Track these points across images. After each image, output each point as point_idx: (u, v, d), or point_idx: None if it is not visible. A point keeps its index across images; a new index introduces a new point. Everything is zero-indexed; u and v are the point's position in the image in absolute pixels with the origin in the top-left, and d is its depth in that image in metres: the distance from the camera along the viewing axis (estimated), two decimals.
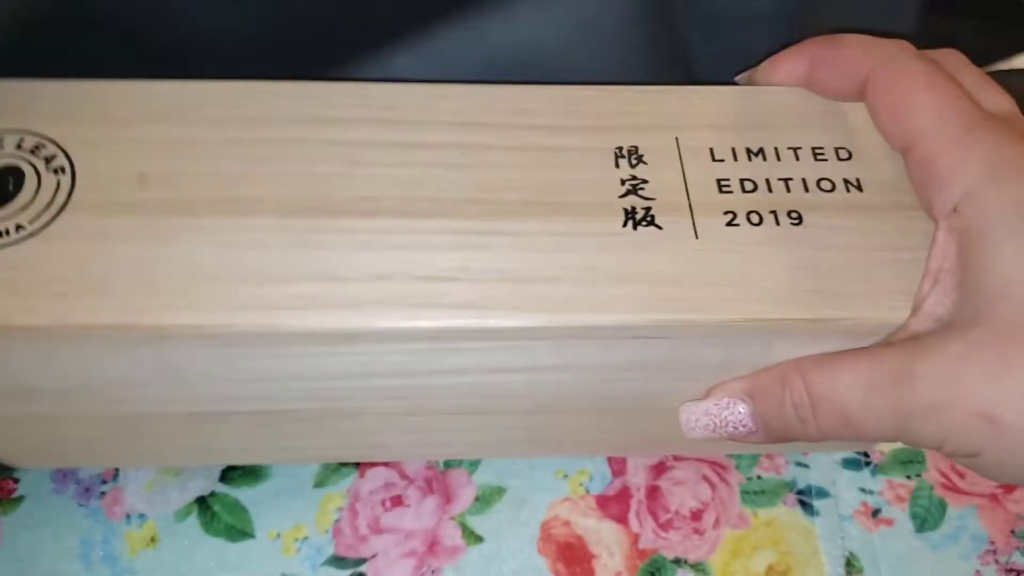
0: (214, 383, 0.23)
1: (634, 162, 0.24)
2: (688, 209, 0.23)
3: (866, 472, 0.30)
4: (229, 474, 0.30)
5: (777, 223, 0.23)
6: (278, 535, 0.29)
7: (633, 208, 0.23)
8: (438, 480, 0.30)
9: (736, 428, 0.24)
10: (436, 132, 0.24)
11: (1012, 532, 0.29)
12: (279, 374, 0.23)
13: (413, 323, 0.21)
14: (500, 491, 0.30)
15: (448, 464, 0.30)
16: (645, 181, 0.24)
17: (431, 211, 0.23)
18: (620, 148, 0.24)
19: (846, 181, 0.24)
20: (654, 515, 0.29)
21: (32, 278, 0.21)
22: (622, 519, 0.29)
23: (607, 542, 0.29)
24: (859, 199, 0.24)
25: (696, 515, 0.29)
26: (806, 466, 0.30)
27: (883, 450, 0.30)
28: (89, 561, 0.28)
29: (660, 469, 0.30)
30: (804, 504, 0.30)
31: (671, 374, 0.24)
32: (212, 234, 0.22)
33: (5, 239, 0.21)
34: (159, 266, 0.21)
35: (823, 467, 0.30)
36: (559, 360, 0.23)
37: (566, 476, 0.30)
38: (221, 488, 0.30)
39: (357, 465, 0.30)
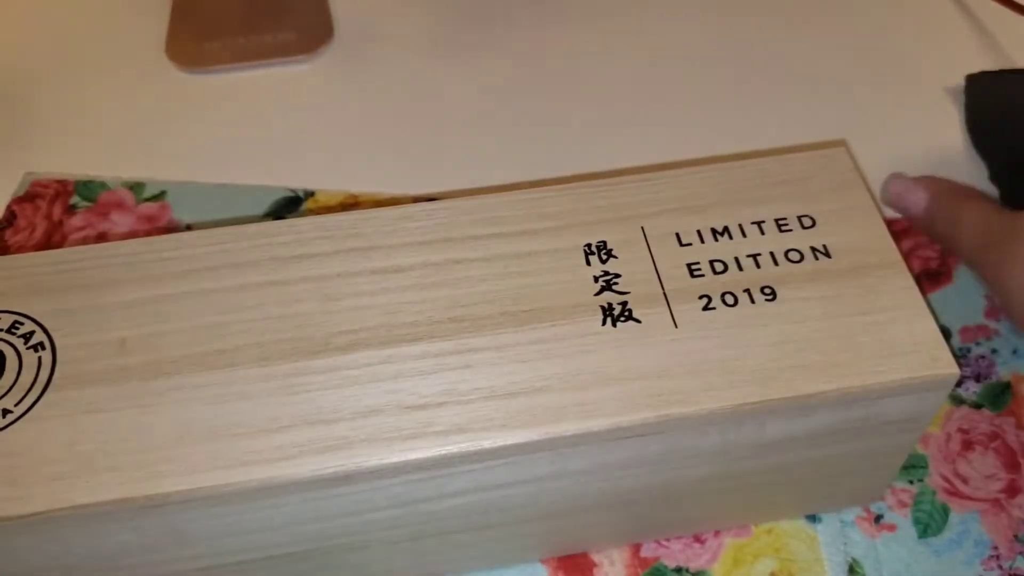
0: (217, 539, 0.23)
1: (604, 257, 0.24)
2: (663, 298, 0.24)
3: None
4: None
5: (752, 301, 0.24)
6: None
7: (610, 304, 0.23)
8: None
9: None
10: (405, 254, 0.24)
11: (1015, 537, 0.29)
12: (279, 522, 0.23)
13: (405, 456, 0.21)
14: None
15: None
16: (618, 275, 0.24)
17: (410, 336, 0.23)
18: (589, 245, 0.25)
19: (813, 249, 0.25)
20: None
21: (24, 463, 0.21)
22: None
23: (608, 550, 0.29)
24: (828, 266, 0.24)
25: None
26: None
27: None
28: None
29: None
30: None
31: (669, 465, 0.24)
32: (197, 391, 0.22)
33: None
34: (149, 432, 0.21)
35: None
36: (557, 468, 0.23)
37: None
38: None
39: None
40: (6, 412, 0.22)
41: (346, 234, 0.25)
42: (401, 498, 0.23)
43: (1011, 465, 0.30)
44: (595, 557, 0.29)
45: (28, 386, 0.22)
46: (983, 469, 0.30)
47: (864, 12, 0.44)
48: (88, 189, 0.37)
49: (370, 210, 0.25)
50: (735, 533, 0.29)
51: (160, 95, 0.41)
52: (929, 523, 0.29)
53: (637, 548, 0.29)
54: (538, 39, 0.43)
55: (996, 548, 0.29)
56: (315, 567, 0.26)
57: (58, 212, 0.36)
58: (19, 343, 0.22)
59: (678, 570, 0.28)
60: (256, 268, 0.24)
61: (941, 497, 0.30)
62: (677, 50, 0.42)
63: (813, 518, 0.29)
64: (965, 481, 0.30)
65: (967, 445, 0.30)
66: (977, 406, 0.31)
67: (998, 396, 0.31)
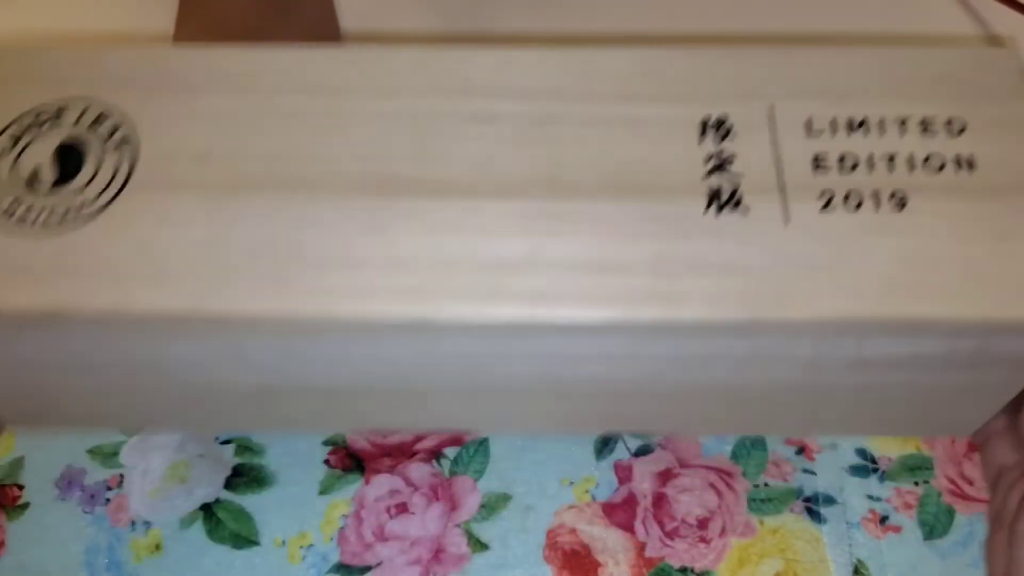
0: (278, 365, 0.23)
1: (721, 135, 0.22)
2: (779, 190, 0.22)
3: (873, 479, 0.30)
4: (234, 481, 0.30)
5: (877, 207, 0.21)
6: (283, 542, 0.29)
7: (718, 189, 0.22)
8: (443, 487, 0.30)
9: None
10: (506, 102, 0.23)
11: None
12: (342, 360, 0.23)
13: (477, 317, 0.20)
14: (506, 498, 0.30)
15: (453, 471, 0.30)
16: (732, 157, 0.22)
17: (500, 191, 0.21)
18: (706, 119, 0.22)
19: (958, 159, 0.22)
20: (660, 523, 0.29)
21: (92, 262, 0.21)
22: (628, 527, 0.29)
23: (613, 550, 0.29)
24: (970, 181, 0.21)
25: (702, 523, 0.29)
26: (813, 473, 0.30)
27: (890, 456, 0.30)
28: (94, 568, 0.28)
29: (666, 476, 0.30)
30: (811, 511, 0.29)
31: (754, 367, 0.23)
32: (275, 215, 0.21)
33: (66, 221, 0.21)
34: (219, 248, 0.21)
35: (830, 474, 0.30)
36: (632, 351, 0.22)
37: (572, 483, 0.30)
38: (226, 495, 0.30)
39: (362, 471, 0.30)
40: (81, 207, 0.21)
41: (447, 70, 0.23)
42: (466, 355, 0.22)
43: None
44: (599, 557, 0.29)
45: (105, 184, 0.21)
46: None
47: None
48: None
49: (476, 47, 0.24)
50: (740, 533, 0.29)
51: None
52: (935, 525, 0.29)
53: (642, 548, 0.29)
54: (547, 39, 0.43)
55: None
56: (373, 407, 0.25)
57: None
58: (101, 136, 0.22)
59: (683, 570, 0.28)
60: (347, 95, 0.23)
61: (947, 499, 0.29)
62: None
63: (818, 519, 0.29)
64: (971, 483, 0.30)
65: (972, 447, 0.30)
66: None
67: None
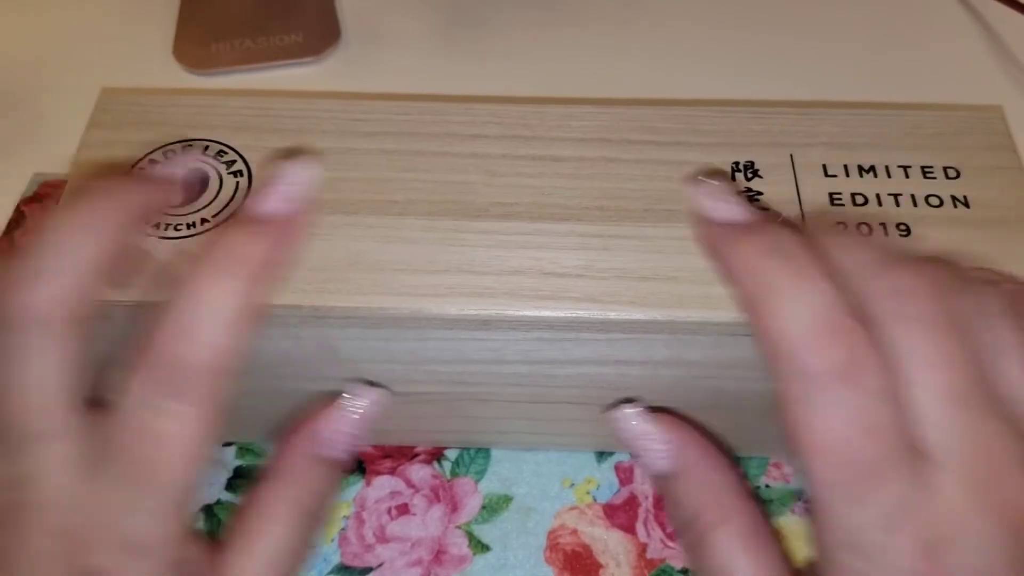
0: (364, 363, 0.26)
1: (750, 176, 0.26)
2: (800, 219, 0.25)
3: None
4: (235, 483, 0.30)
5: (886, 234, 0.25)
6: None
7: None
8: (444, 489, 0.30)
9: (650, 462, 0.25)
10: (566, 147, 0.26)
11: None
12: (420, 358, 0.26)
13: (539, 312, 0.23)
14: (507, 500, 0.30)
15: (454, 473, 0.30)
16: (760, 193, 0.25)
17: (559, 216, 0.25)
18: (737, 163, 0.26)
19: (953, 198, 0.25)
20: (662, 524, 0.29)
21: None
22: (630, 528, 0.29)
23: (614, 551, 0.29)
24: (966, 215, 0.25)
25: None
26: None
27: None
28: None
29: None
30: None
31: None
32: (369, 230, 0.25)
33: (193, 229, 0.25)
34: (322, 256, 0.24)
35: None
36: (674, 354, 0.25)
37: (573, 485, 0.30)
38: (227, 497, 0.30)
39: (363, 473, 0.30)
40: (204, 220, 0.25)
41: (515, 122, 0.27)
42: (528, 355, 0.25)
43: None
44: (601, 559, 0.29)
45: (225, 203, 0.25)
46: None
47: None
48: None
49: (540, 105, 0.27)
50: None
51: None
52: None
53: (643, 549, 0.29)
54: (546, 38, 0.43)
55: None
56: (439, 411, 0.29)
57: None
58: (222, 168, 0.26)
59: (684, 571, 0.28)
60: (433, 139, 0.26)
61: None
62: None
63: None
64: None
65: None
66: None
67: None
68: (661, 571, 0.28)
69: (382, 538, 0.29)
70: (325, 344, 0.25)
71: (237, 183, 0.26)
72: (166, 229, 0.25)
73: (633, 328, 0.24)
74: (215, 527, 0.29)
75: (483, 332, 0.24)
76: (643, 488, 0.30)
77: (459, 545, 0.29)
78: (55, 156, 0.39)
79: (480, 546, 0.29)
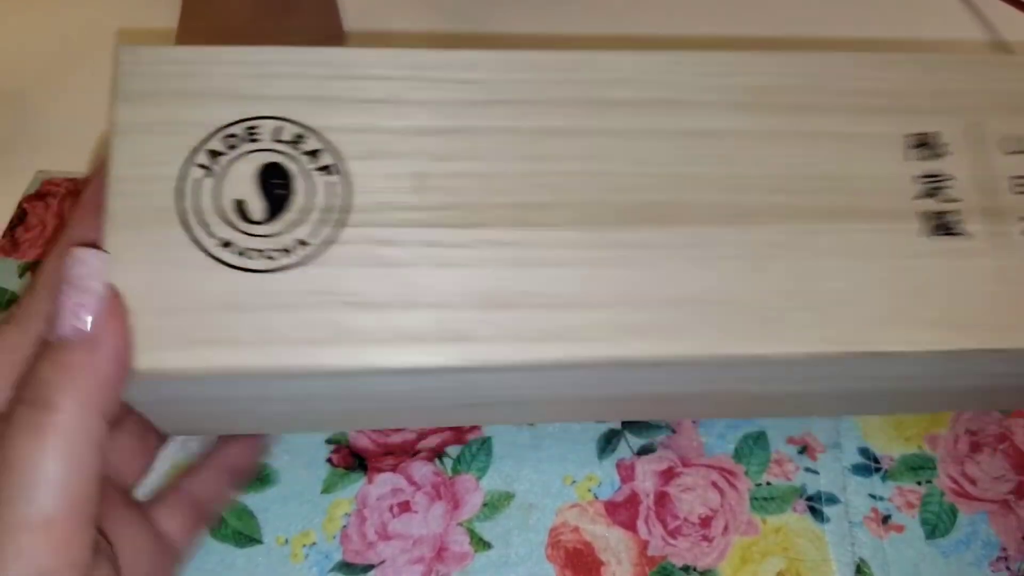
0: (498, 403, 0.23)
1: (928, 154, 0.21)
2: (1001, 213, 0.20)
3: (876, 478, 0.30)
4: (240, 484, 0.30)
5: None
6: (286, 541, 0.29)
7: (931, 213, 0.20)
8: (446, 486, 0.30)
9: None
10: (719, 116, 0.21)
11: None
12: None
13: (744, 351, 0.19)
14: (508, 497, 0.30)
15: (456, 470, 0.30)
16: (946, 178, 0.20)
17: (723, 217, 0.20)
18: (910, 135, 0.21)
19: None
20: (663, 522, 0.29)
21: (319, 306, 0.19)
22: (631, 525, 0.29)
23: (615, 549, 0.29)
24: None
25: (705, 522, 0.29)
26: (815, 472, 0.30)
27: (892, 455, 0.30)
28: None
29: (669, 475, 0.30)
30: (814, 510, 0.29)
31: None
32: (500, 250, 0.19)
33: (288, 256, 0.19)
34: (448, 289, 0.19)
35: (833, 473, 0.30)
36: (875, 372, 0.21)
37: (574, 482, 0.30)
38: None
39: (365, 470, 0.30)
40: (302, 243, 0.19)
41: (652, 82, 0.21)
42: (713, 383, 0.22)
43: (1020, 467, 0.30)
44: (602, 556, 0.29)
45: (321, 213, 0.19)
46: (991, 470, 0.30)
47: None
48: None
49: (680, 52, 0.21)
50: (742, 532, 0.29)
51: None
52: (937, 524, 0.29)
53: (644, 547, 0.29)
54: (546, 37, 0.43)
55: (1005, 549, 0.28)
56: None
57: (69, 210, 0.36)
58: (304, 161, 0.19)
59: (685, 568, 0.28)
60: (559, 110, 0.20)
61: (949, 498, 0.29)
62: None
63: (820, 518, 0.29)
64: (973, 482, 0.30)
65: (975, 447, 0.30)
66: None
67: None
68: (662, 568, 0.28)
69: (384, 535, 0.29)
70: (458, 386, 0.21)
71: (328, 185, 0.19)
72: (255, 258, 0.19)
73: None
74: (218, 525, 0.29)
75: (648, 371, 0.20)
76: (644, 485, 0.30)
77: (461, 542, 0.29)
78: (57, 154, 0.39)
79: (482, 543, 0.29)
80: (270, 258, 0.19)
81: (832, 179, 0.20)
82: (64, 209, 0.36)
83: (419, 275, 0.19)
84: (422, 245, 0.19)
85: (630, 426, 0.31)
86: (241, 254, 0.19)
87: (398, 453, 0.30)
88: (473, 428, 0.31)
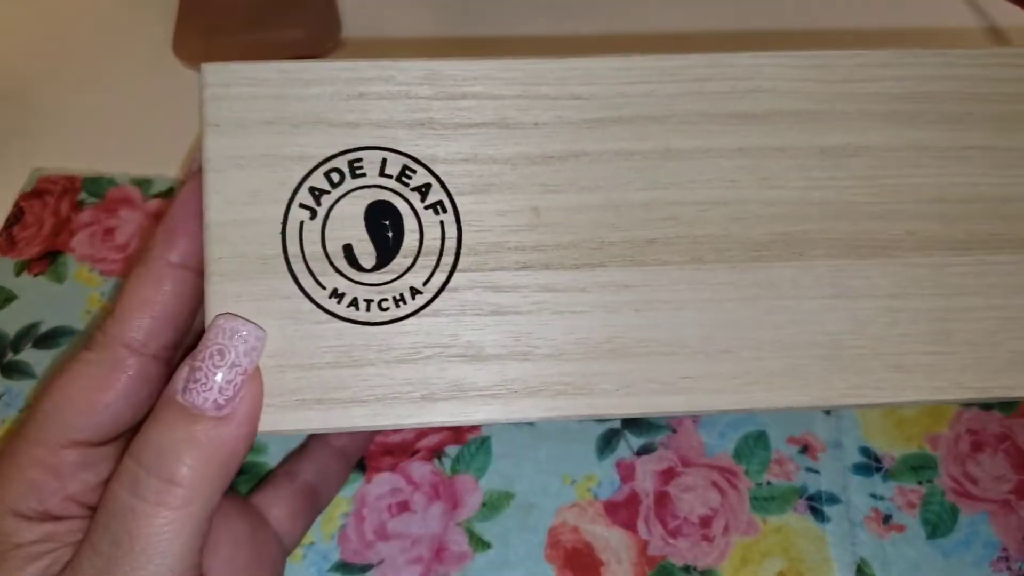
0: None
1: None
2: None
3: (877, 478, 0.30)
4: (235, 479, 0.30)
5: None
6: None
7: None
8: (445, 486, 0.30)
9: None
10: (862, 128, 0.18)
11: None
12: None
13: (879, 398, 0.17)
14: (507, 496, 0.30)
15: (455, 469, 0.30)
16: None
17: (868, 248, 0.18)
18: None
19: None
20: (663, 521, 0.29)
21: (423, 364, 0.18)
22: (631, 525, 0.29)
23: (615, 548, 0.29)
24: None
25: (705, 521, 0.29)
26: (816, 472, 0.30)
27: (893, 455, 0.30)
28: None
29: (669, 475, 0.30)
30: (814, 510, 0.29)
31: None
32: (627, 293, 0.18)
33: (403, 306, 0.17)
34: (560, 344, 0.18)
35: (833, 473, 0.30)
36: None
37: (574, 482, 0.30)
38: (227, 493, 0.30)
39: (363, 470, 0.30)
40: (415, 292, 0.17)
41: (790, 85, 0.18)
42: None
43: (1021, 466, 0.30)
44: (602, 556, 0.29)
45: (435, 257, 0.18)
46: (992, 470, 0.30)
47: None
48: (96, 185, 0.37)
49: (822, 53, 0.19)
50: (743, 532, 0.29)
51: (167, 92, 0.41)
52: (938, 524, 0.29)
53: (644, 546, 0.29)
54: (547, 36, 0.43)
55: (1005, 549, 0.28)
56: None
57: (66, 208, 0.36)
58: (413, 198, 0.17)
59: (686, 568, 0.28)
60: (682, 128, 0.18)
61: (950, 498, 0.29)
62: None
63: (821, 517, 0.29)
64: (974, 482, 0.30)
65: (977, 446, 0.30)
66: (987, 407, 0.31)
67: None
68: (662, 568, 0.28)
69: (382, 535, 0.29)
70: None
71: (442, 223, 0.18)
72: (367, 309, 0.18)
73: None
74: None
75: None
76: (644, 485, 0.30)
77: (459, 542, 0.29)
78: (54, 152, 0.39)
79: (481, 543, 0.29)
80: (383, 308, 0.18)
81: (985, 202, 0.18)
82: (60, 207, 0.36)
83: (534, 323, 0.18)
84: (536, 290, 0.18)
85: (630, 426, 0.31)
86: (352, 305, 0.18)
87: (397, 453, 0.30)
88: (472, 428, 0.31)
